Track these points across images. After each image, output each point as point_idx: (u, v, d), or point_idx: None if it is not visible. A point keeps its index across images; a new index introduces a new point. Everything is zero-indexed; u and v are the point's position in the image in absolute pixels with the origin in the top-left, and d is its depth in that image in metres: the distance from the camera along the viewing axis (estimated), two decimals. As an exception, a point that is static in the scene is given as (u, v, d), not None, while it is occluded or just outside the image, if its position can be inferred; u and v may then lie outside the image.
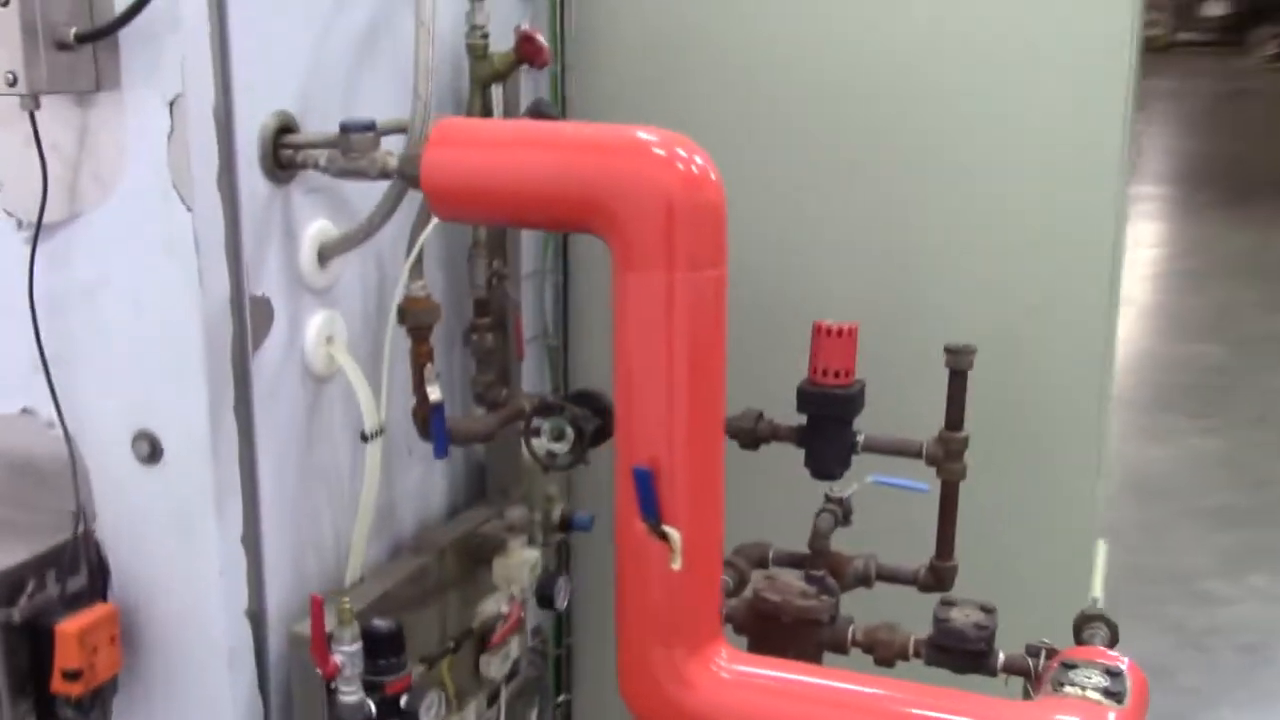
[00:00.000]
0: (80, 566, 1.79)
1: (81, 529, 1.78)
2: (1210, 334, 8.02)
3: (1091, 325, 2.32)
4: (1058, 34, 2.24)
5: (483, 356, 2.23)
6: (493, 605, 2.16)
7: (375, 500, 1.96)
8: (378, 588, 1.98)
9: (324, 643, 1.73)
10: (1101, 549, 2.40)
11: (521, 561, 2.20)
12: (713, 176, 1.57)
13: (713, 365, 1.61)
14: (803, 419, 2.07)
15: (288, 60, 1.79)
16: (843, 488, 2.00)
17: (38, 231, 1.69)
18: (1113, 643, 1.83)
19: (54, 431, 1.78)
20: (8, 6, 1.53)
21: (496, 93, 2.13)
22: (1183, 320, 8.46)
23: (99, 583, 1.81)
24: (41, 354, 1.74)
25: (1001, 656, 1.80)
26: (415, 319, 2.00)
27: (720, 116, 2.39)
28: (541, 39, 2.09)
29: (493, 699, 2.28)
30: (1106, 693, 1.60)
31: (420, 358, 2.02)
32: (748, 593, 2.00)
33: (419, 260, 1.99)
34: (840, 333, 2.03)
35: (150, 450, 1.74)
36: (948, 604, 1.85)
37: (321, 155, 1.76)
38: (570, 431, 2.04)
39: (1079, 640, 1.87)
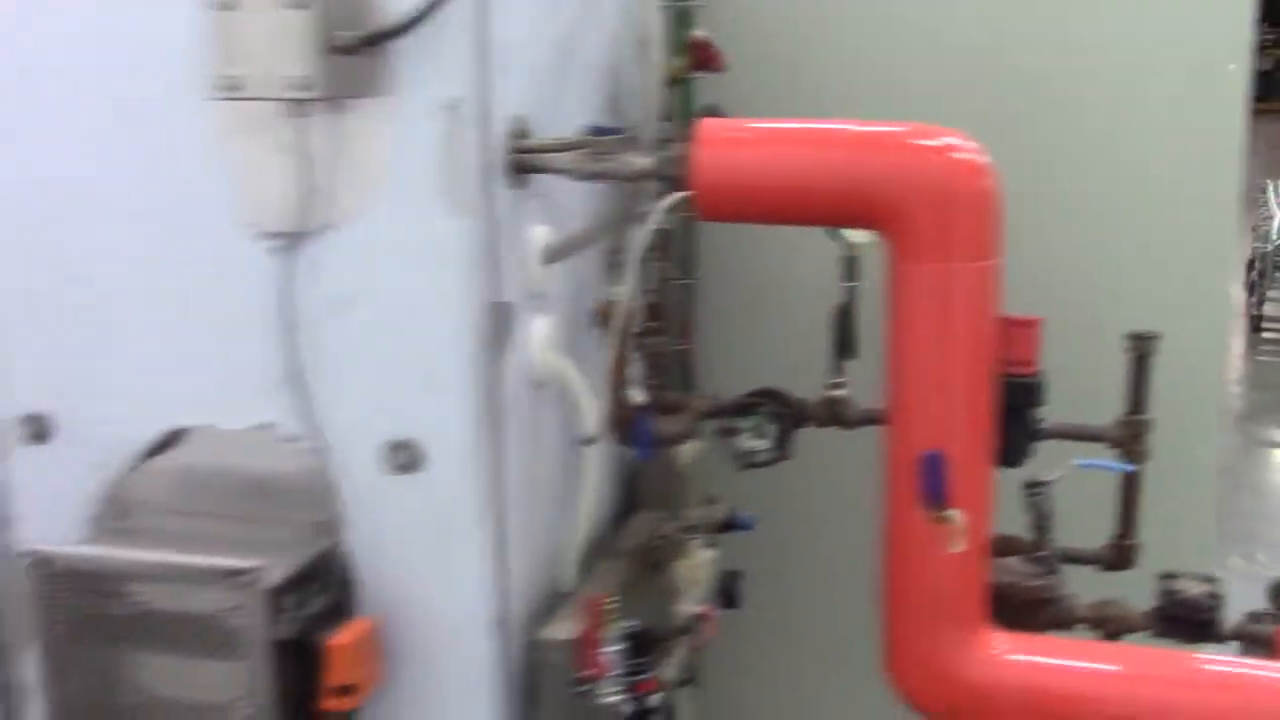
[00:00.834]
0: (331, 581, 1.76)
1: (330, 543, 1.76)
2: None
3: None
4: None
5: (655, 359, 2.24)
6: (688, 606, 2.18)
7: (593, 505, 1.97)
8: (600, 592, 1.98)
9: (596, 645, 1.74)
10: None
11: (703, 562, 2.22)
12: (990, 169, 1.62)
13: (987, 353, 1.66)
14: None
15: (521, 66, 1.79)
16: (1047, 473, 2.05)
17: (294, 243, 1.67)
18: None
19: (293, 446, 1.76)
20: (304, 10, 1.51)
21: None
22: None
23: (348, 596, 1.78)
24: (291, 368, 1.72)
25: (1229, 625, 1.88)
26: (616, 322, 2.01)
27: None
28: (715, 46, 2.13)
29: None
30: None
31: (620, 361, 2.03)
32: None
33: (620, 264, 2.01)
34: (1025, 324, 2.09)
35: (409, 459, 1.72)
36: (1169, 577, 1.92)
37: (563, 159, 1.77)
38: (771, 429, 2.07)
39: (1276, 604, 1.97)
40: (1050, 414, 2.02)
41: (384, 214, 1.66)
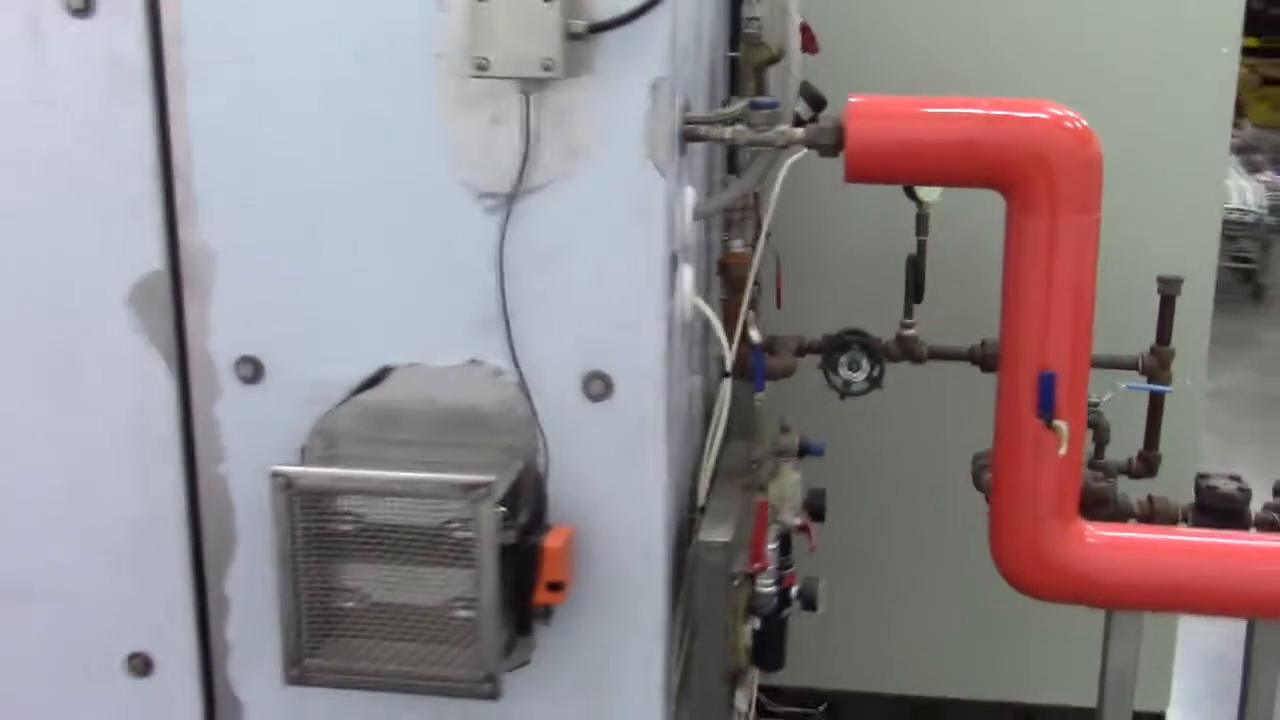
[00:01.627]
0: (529, 496, 2.03)
1: (524, 463, 2.02)
2: None
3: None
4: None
5: (755, 304, 2.54)
6: (789, 518, 2.49)
7: (723, 431, 2.27)
8: (730, 505, 2.28)
9: (763, 542, 2.04)
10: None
11: (795, 481, 2.54)
12: (1093, 136, 1.97)
13: (1090, 291, 2.01)
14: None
15: (683, 50, 2.07)
16: (1098, 395, 2.43)
17: (510, 205, 1.92)
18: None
19: (496, 380, 2.01)
20: (551, 2, 1.77)
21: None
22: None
23: (543, 509, 2.05)
24: (498, 311, 1.97)
25: (1253, 515, 2.29)
26: (737, 272, 2.32)
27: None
28: (812, 30, 2.44)
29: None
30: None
31: (736, 305, 2.33)
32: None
33: (737, 222, 2.30)
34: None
35: (602, 389, 2.00)
36: (1204, 476, 2.32)
37: (726, 130, 2.06)
38: (866, 363, 2.40)
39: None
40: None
41: (590, 176, 1.92)
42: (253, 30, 1.94)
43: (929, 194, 2.42)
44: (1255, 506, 2.32)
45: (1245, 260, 8.37)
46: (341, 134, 1.96)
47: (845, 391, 2.41)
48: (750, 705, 2.42)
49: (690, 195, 2.15)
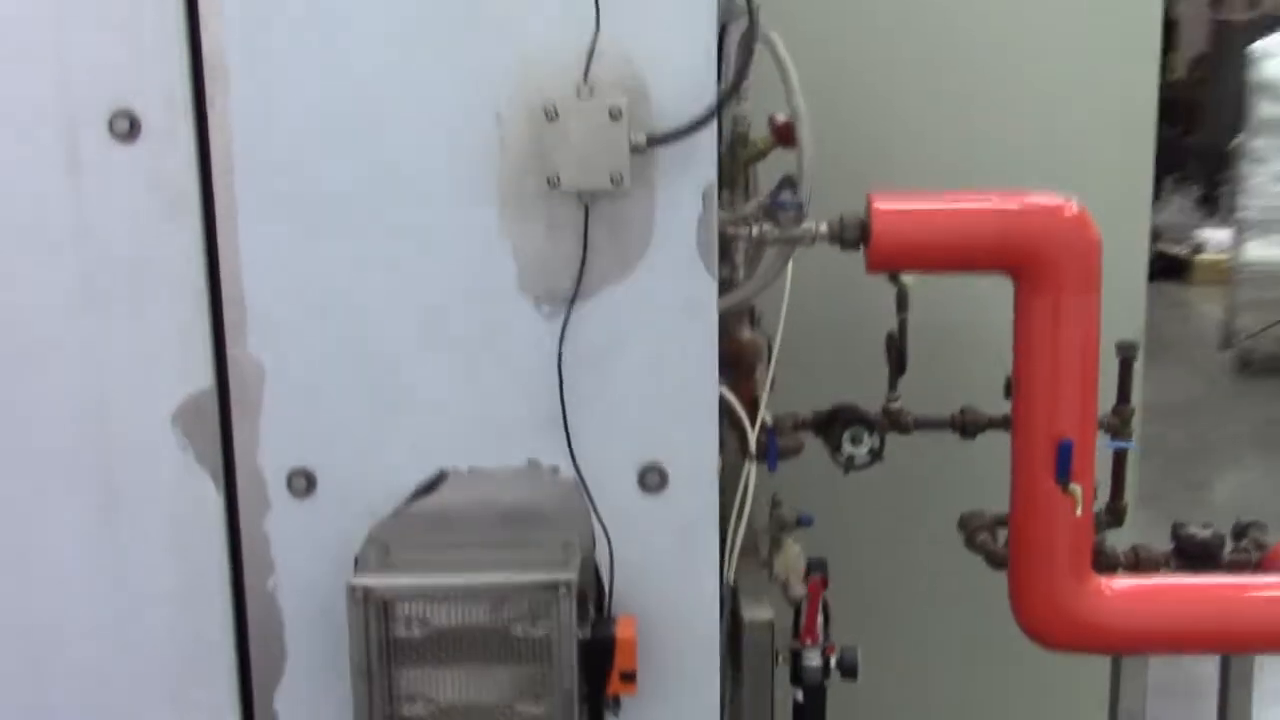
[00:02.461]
0: (592, 590, 2.09)
1: (584, 557, 2.08)
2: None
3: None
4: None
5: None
6: (798, 589, 2.60)
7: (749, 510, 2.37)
8: (756, 580, 2.38)
9: (815, 618, 2.15)
10: None
11: (797, 553, 2.65)
12: (1089, 220, 2.16)
13: (1094, 362, 2.20)
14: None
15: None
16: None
17: (570, 309, 2.00)
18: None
19: (558, 476, 2.07)
20: (618, 121, 1.86)
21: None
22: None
23: (602, 600, 2.11)
24: (555, 411, 2.04)
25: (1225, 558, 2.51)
26: (749, 358, 2.43)
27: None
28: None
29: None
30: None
31: (748, 389, 2.45)
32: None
33: (743, 312, 2.43)
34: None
35: (660, 480, 2.08)
36: (1180, 525, 2.53)
37: (755, 229, 2.18)
38: (866, 436, 2.54)
39: (1236, 538, 2.61)
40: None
41: (645, 277, 2.02)
42: (305, 155, 1.98)
43: (909, 276, 2.58)
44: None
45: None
46: (395, 248, 2.01)
47: (849, 466, 2.54)
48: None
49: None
